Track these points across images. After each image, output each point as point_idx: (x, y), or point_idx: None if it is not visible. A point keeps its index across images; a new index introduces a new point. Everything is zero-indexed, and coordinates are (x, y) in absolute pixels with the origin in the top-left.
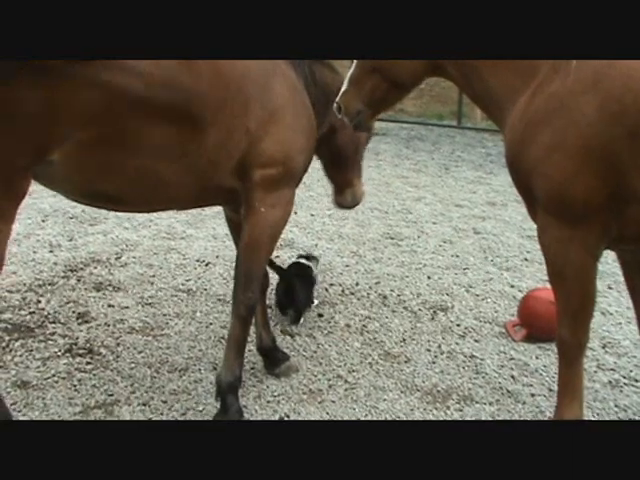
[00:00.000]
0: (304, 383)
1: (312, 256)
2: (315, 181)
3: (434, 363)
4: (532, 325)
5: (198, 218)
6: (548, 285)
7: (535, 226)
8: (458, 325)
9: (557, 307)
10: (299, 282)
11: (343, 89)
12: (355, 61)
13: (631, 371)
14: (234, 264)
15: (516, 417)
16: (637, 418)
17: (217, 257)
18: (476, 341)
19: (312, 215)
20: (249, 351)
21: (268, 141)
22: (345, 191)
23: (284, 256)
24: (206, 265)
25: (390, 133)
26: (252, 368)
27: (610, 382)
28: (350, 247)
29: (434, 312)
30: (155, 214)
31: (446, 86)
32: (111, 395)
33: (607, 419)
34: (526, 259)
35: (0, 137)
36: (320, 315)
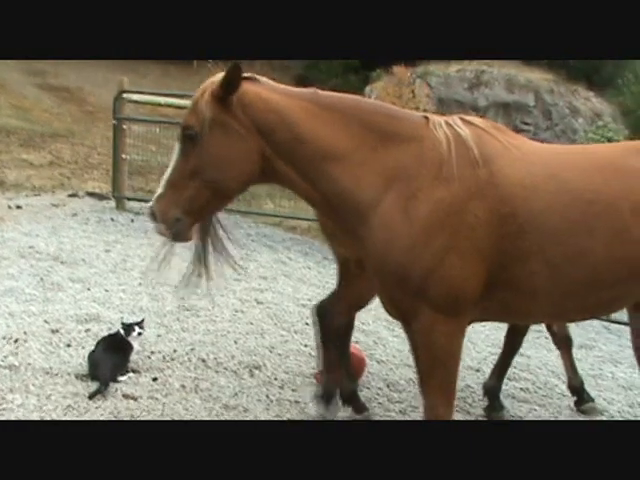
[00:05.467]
0: None
1: (133, 324)
2: (94, 258)
3: (268, 410)
4: None
5: None
6: None
7: (309, 294)
8: (275, 379)
9: (429, 389)
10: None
11: (158, 193)
12: (172, 164)
13: (411, 401)
14: (47, 338)
15: None
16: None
17: (25, 333)
18: (293, 390)
19: (107, 291)
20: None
21: None
22: None
23: (94, 329)
24: (15, 342)
25: None
26: None
27: (401, 411)
28: (154, 319)
29: (250, 370)
30: None
31: None
32: None
33: None
34: (307, 323)
35: None
36: (154, 379)
